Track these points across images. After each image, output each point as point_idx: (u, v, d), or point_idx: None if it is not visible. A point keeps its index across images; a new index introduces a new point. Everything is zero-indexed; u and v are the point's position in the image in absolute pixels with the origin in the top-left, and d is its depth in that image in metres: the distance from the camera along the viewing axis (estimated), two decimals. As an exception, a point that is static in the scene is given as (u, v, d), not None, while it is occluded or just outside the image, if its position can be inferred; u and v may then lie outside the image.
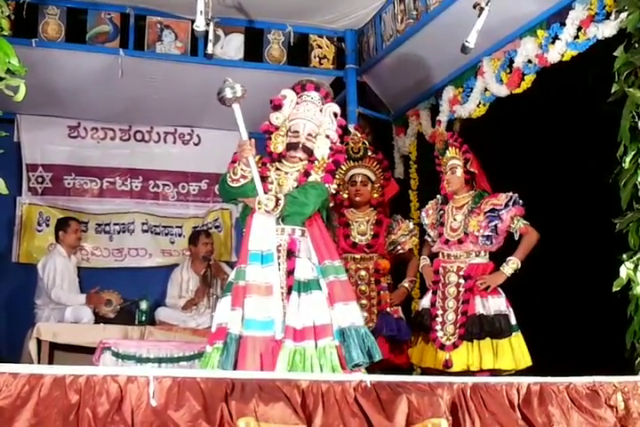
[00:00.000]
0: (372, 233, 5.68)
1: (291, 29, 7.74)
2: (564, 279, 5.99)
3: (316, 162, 4.56)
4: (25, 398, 3.08)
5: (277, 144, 4.61)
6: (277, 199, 4.36)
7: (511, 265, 5.35)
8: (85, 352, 6.59)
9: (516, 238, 5.42)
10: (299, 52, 7.87)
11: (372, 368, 5.09)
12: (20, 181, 8.20)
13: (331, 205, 5.68)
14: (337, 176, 5.69)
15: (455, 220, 5.50)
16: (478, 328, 5.24)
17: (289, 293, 4.34)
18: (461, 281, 5.40)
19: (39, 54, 7.05)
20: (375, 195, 5.81)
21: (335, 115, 4.64)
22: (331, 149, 4.60)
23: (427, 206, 5.79)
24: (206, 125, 8.60)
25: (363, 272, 5.61)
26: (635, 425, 3.88)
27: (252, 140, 4.34)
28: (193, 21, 6.25)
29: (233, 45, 7.64)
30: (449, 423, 3.53)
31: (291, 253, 4.42)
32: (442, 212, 5.58)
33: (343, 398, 3.46)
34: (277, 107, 4.65)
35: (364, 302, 5.52)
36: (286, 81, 7.81)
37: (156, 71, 7.62)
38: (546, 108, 6.30)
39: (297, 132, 4.57)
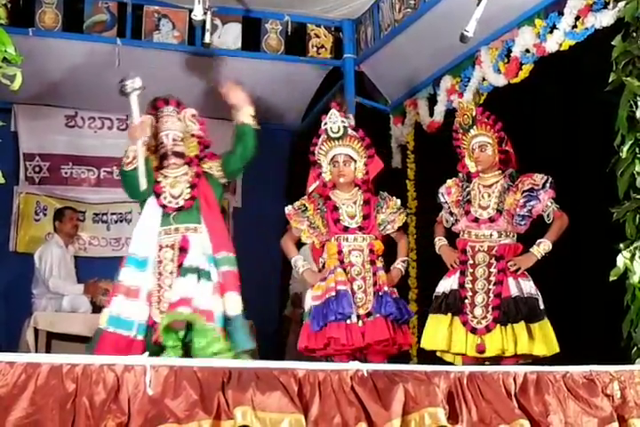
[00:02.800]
0: (362, 214, 5.51)
1: (288, 19, 7.73)
2: (560, 268, 5.99)
3: (199, 161, 5.05)
4: (22, 387, 3.09)
5: (152, 160, 5.00)
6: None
7: (543, 247, 5.15)
8: (83, 342, 6.56)
9: (548, 222, 5.22)
10: (296, 42, 7.86)
11: (374, 350, 5.18)
12: (17, 170, 8.19)
13: (313, 186, 5.70)
14: (319, 158, 5.63)
15: (484, 198, 5.32)
16: (514, 311, 5.03)
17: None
18: (493, 261, 5.19)
19: (36, 43, 7.03)
20: (359, 174, 5.61)
21: (193, 116, 5.12)
22: (199, 143, 5.08)
23: (447, 185, 5.53)
24: (203, 115, 8.54)
25: (356, 253, 5.44)
26: (631, 414, 3.89)
27: (145, 121, 4.83)
28: (190, 11, 6.25)
29: (230, 35, 7.63)
30: (445, 412, 3.54)
31: (183, 251, 4.80)
32: (468, 189, 5.39)
33: (340, 386, 3.47)
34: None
35: (358, 283, 5.30)
36: (284, 70, 7.91)
37: (154, 61, 7.60)
38: (544, 97, 6.31)
39: (162, 143, 4.98)
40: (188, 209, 4.89)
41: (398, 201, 5.62)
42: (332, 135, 5.51)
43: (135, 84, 4.77)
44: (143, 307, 4.66)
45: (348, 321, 5.16)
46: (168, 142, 4.97)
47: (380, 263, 5.42)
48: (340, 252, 5.38)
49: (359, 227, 5.42)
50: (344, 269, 5.30)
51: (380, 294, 5.30)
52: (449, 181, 5.53)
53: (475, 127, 5.35)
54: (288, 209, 5.53)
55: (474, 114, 5.37)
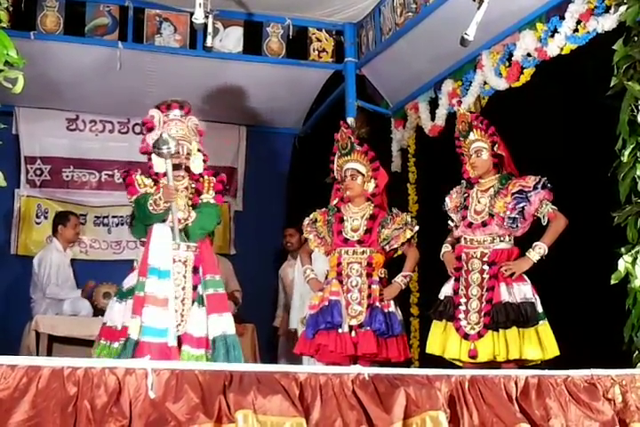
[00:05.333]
0: (365, 228, 5.64)
1: (290, 22, 7.75)
2: (562, 272, 5.98)
3: (202, 179, 5.05)
4: (23, 390, 3.08)
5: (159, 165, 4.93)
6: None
7: (537, 250, 5.10)
8: (84, 345, 6.59)
9: (544, 223, 5.18)
10: (298, 46, 7.88)
11: (362, 360, 5.30)
12: (18, 173, 8.22)
13: (335, 201, 5.83)
14: (336, 174, 5.76)
15: (479, 203, 5.31)
16: (504, 317, 5.00)
17: (191, 304, 4.86)
18: (485, 267, 5.17)
19: (38, 47, 7.05)
20: (368, 188, 5.71)
21: (196, 126, 5.08)
22: (204, 161, 5.05)
23: (451, 191, 5.56)
24: (204, 118, 8.56)
25: (355, 265, 5.57)
26: (632, 418, 3.88)
27: (178, 186, 4.89)
28: (192, 14, 6.24)
29: (232, 38, 7.65)
30: (447, 416, 3.53)
31: (196, 270, 4.88)
32: (466, 195, 5.40)
33: (341, 390, 3.46)
34: (150, 129, 5.01)
35: (355, 295, 5.50)
36: (285, 74, 7.92)
37: (155, 64, 7.63)
38: (545, 101, 6.29)
39: (178, 153, 4.88)
40: None
41: (408, 217, 5.74)
42: (342, 152, 5.74)
43: (172, 149, 4.73)
44: (173, 315, 4.74)
45: (340, 330, 5.38)
46: (183, 154, 4.94)
47: (376, 276, 5.59)
48: (339, 264, 5.60)
49: (358, 240, 5.56)
50: (340, 281, 5.53)
51: (372, 307, 5.43)
52: (453, 189, 5.57)
53: (472, 133, 5.38)
54: (305, 220, 5.83)
55: (469, 120, 5.41)
